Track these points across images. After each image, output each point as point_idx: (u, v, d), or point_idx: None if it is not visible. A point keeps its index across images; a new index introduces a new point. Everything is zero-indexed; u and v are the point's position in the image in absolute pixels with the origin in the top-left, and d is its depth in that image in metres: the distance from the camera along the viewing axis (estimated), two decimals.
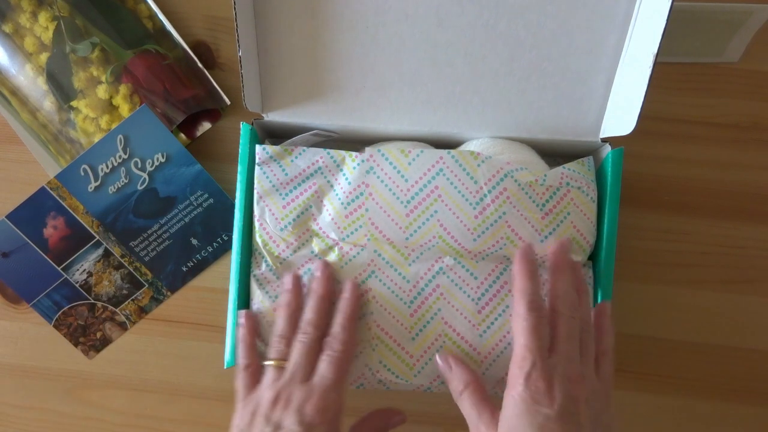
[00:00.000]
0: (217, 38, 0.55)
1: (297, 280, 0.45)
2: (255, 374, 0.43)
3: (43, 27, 0.51)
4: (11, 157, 0.56)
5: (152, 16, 0.54)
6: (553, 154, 0.50)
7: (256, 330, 0.45)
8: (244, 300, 0.46)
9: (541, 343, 0.38)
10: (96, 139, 0.53)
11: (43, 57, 0.52)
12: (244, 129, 0.46)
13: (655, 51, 0.40)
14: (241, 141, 0.46)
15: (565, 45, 0.45)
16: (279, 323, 0.43)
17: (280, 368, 0.42)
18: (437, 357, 0.43)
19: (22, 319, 0.57)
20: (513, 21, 0.45)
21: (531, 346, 0.37)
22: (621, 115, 0.44)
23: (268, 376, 0.42)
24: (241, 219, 0.46)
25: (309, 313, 0.43)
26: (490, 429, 0.38)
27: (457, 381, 0.41)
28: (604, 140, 0.47)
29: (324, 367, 0.41)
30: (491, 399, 0.40)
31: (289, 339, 0.42)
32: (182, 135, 0.55)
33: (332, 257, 0.46)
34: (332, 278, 0.44)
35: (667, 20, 0.39)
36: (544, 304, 0.40)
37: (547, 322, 0.39)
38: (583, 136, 0.47)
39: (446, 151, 0.45)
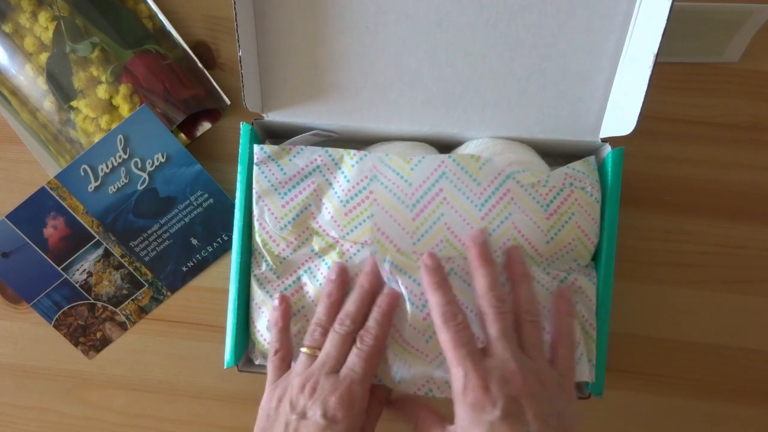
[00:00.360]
0: (217, 38, 0.55)
1: (342, 271, 0.44)
2: (286, 359, 0.43)
3: (43, 27, 0.51)
4: (11, 157, 0.56)
5: (152, 16, 0.54)
6: (553, 154, 0.50)
7: (290, 314, 0.45)
8: (245, 300, 0.46)
9: (468, 350, 0.37)
10: (96, 139, 0.53)
11: (43, 57, 0.52)
12: (244, 129, 0.46)
13: (655, 51, 0.40)
14: (241, 141, 0.46)
15: (565, 45, 0.45)
16: (319, 311, 0.43)
17: (313, 356, 0.42)
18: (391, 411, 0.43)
19: (22, 319, 0.57)
20: (513, 21, 0.45)
21: (457, 358, 0.37)
22: (621, 115, 0.44)
23: (300, 362, 0.42)
24: (241, 219, 0.46)
25: (350, 305, 0.42)
26: None
27: (413, 419, 0.41)
28: (604, 140, 0.47)
29: (353, 360, 0.41)
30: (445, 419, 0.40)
31: (326, 328, 0.42)
32: (182, 135, 0.55)
33: (333, 255, 0.45)
34: (379, 275, 0.44)
35: (667, 20, 0.39)
36: (460, 310, 0.39)
37: (466, 327, 0.38)
38: (583, 136, 0.47)
39: (446, 155, 0.45)
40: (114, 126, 0.53)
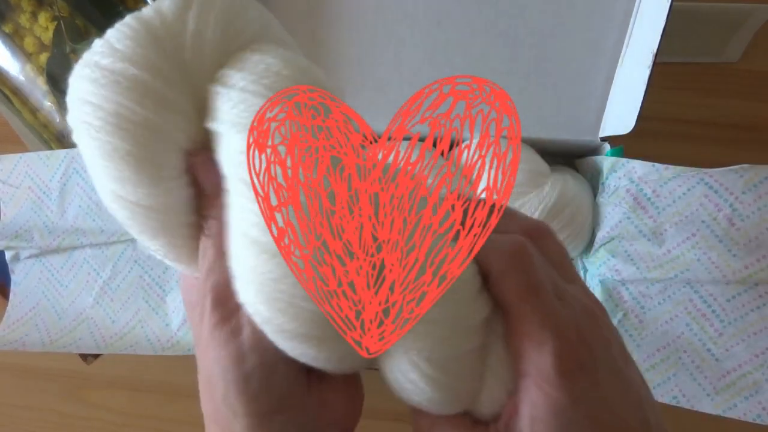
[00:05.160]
0: None
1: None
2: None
3: (43, 27, 0.52)
4: None
5: None
6: (553, 154, 0.50)
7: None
8: None
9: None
10: None
11: (43, 57, 0.52)
12: None
13: (655, 50, 0.40)
14: None
15: (564, 44, 0.45)
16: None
17: None
18: None
19: None
20: (513, 21, 0.45)
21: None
22: (620, 114, 0.44)
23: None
24: None
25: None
26: None
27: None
28: (604, 139, 0.47)
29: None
30: None
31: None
32: None
33: None
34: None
35: (667, 20, 0.39)
36: None
37: None
38: (583, 136, 0.47)
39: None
40: None
